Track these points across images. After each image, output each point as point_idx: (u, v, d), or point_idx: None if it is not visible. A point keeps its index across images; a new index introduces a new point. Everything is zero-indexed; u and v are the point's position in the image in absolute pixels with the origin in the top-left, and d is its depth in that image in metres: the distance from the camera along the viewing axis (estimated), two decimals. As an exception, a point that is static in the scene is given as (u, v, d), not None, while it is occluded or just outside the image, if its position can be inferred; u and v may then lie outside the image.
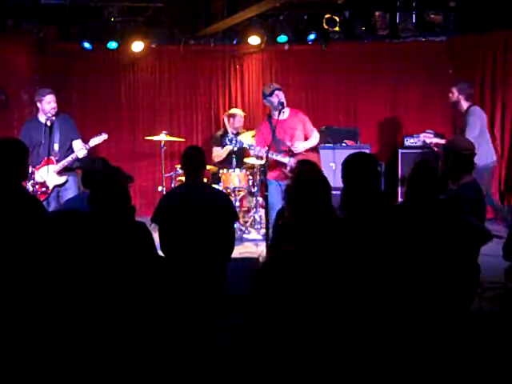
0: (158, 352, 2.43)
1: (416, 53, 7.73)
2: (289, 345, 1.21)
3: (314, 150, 5.59)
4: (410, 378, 2.24)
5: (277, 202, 4.92)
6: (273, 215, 4.72)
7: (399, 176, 7.12)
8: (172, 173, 6.83)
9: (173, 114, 8.06)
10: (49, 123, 5.37)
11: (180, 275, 3.56)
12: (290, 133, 5.44)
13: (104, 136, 5.68)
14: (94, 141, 5.63)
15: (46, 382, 2.07)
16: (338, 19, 7.04)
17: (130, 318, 2.31)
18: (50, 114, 5.42)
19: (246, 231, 6.60)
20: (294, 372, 1.21)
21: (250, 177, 6.65)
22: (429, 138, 6.39)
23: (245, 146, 5.54)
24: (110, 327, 2.22)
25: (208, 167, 6.11)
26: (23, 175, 3.44)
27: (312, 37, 7.39)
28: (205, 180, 4.69)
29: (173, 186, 6.64)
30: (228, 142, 5.45)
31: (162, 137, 6.67)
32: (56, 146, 5.49)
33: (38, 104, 5.56)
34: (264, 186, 5.44)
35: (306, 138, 5.54)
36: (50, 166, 5.39)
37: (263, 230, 6.09)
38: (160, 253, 3.72)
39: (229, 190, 6.38)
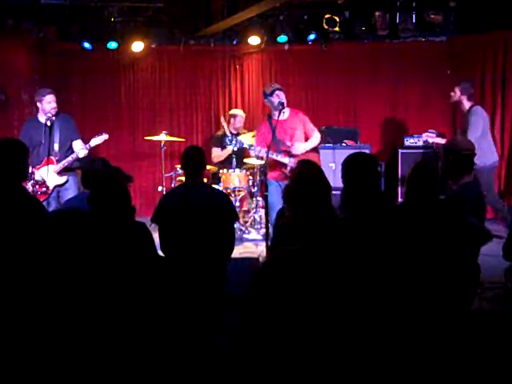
0: (158, 352, 2.43)
1: (416, 53, 7.73)
2: (289, 344, 1.21)
3: (314, 150, 5.58)
4: (410, 378, 2.24)
5: (277, 202, 4.91)
6: (273, 215, 4.73)
7: (399, 176, 7.11)
8: (172, 173, 6.83)
9: (173, 114, 8.06)
10: (49, 123, 5.37)
11: (180, 275, 3.56)
12: (290, 133, 5.44)
13: (105, 136, 5.68)
14: (95, 140, 5.63)
15: (46, 382, 2.07)
16: (337, 19, 7.04)
17: (130, 317, 2.31)
18: (50, 114, 5.41)
19: (246, 231, 6.60)
20: (294, 372, 1.21)
21: (250, 177, 6.65)
22: (431, 137, 6.39)
23: (245, 146, 5.54)
24: (110, 327, 2.22)
25: (208, 167, 6.11)
26: (23, 175, 3.44)
27: (312, 37, 7.39)
28: (205, 180, 4.70)
29: (173, 186, 6.64)
30: (228, 142, 5.45)
31: (162, 137, 6.67)
32: (56, 146, 5.49)
33: (38, 104, 5.56)
34: (264, 186, 5.44)
35: (307, 138, 5.54)
36: (50, 166, 5.39)
37: (263, 230, 6.09)
38: (160, 253, 3.72)
39: (229, 190, 6.38)
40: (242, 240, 6.36)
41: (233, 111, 7.33)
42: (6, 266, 2.64)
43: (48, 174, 5.39)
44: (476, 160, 5.71)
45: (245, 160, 6.75)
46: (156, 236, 3.57)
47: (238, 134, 6.68)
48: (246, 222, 6.75)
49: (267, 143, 5.24)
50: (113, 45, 7.29)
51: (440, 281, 2.92)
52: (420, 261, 2.83)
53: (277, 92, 5.41)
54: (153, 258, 3.13)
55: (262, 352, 1.23)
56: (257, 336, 1.24)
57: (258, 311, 1.24)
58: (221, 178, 6.47)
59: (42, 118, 5.49)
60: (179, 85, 8.03)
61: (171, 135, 6.91)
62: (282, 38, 7.41)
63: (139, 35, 7.23)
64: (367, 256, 2.60)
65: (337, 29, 7.10)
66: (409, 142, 7.23)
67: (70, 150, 5.57)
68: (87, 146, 5.54)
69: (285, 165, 5.34)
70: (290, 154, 5.36)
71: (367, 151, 6.54)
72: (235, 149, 5.45)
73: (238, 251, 5.56)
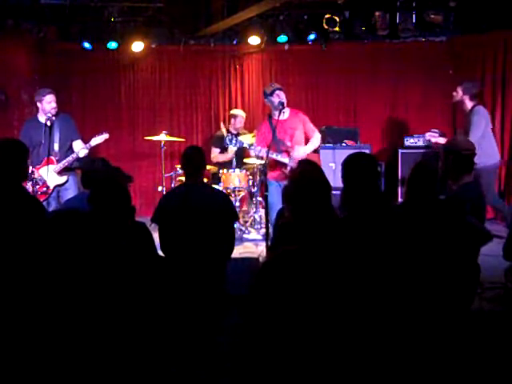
0: (158, 352, 2.43)
1: (416, 53, 7.73)
2: (289, 344, 1.21)
3: (314, 150, 5.59)
4: (410, 378, 2.24)
5: (277, 202, 4.91)
6: (273, 215, 4.73)
7: (399, 176, 7.11)
8: (172, 173, 6.83)
9: (173, 114, 8.06)
10: (49, 123, 5.37)
11: (180, 275, 3.56)
12: (290, 133, 5.44)
13: (105, 135, 5.68)
14: (96, 140, 5.63)
15: (46, 382, 2.07)
16: (338, 19, 7.04)
17: (130, 317, 2.31)
18: (50, 114, 5.41)
19: (246, 231, 6.60)
20: (294, 371, 1.21)
21: (250, 177, 6.65)
22: (434, 137, 6.37)
23: (245, 145, 5.54)
24: (110, 327, 2.22)
25: (208, 167, 6.11)
26: (23, 175, 3.44)
27: (312, 37, 7.39)
28: (205, 180, 4.70)
29: (173, 186, 6.64)
30: (228, 142, 5.45)
31: (162, 137, 6.68)
32: (56, 146, 5.49)
33: (38, 104, 5.56)
34: (264, 186, 5.44)
35: (307, 138, 5.55)
36: (50, 165, 5.39)
37: (263, 230, 6.10)
38: (160, 253, 3.72)
39: (229, 190, 6.38)
40: (242, 240, 6.36)
41: (233, 111, 7.33)
42: (6, 266, 2.64)
43: (48, 174, 5.39)
44: (477, 160, 5.72)
45: (245, 160, 6.75)
46: (156, 236, 3.57)
47: (238, 135, 6.67)
48: (246, 222, 6.75)
49: (267, 143, 5.24)
50: (113, 45, 7.29)
51: (440, 281, 2.92)
52: (420, 261, 2.83)
53: (277, 92, 5.41)
54: (153, 258, 3.13)
55: (262, 352, 1.23)
56: (257, 336, 1.24)
57: (258, 311, 1.24)
58: (221, 178, 6.47)
59: (41, 118, 5.49)
60: (179, 85, 8.03)
61: (171, 135, 6.91)
62: (282, 38, 7.41)
63: (139, 35, 7.23)
64: (367, 256, 2.60)
65: (337, 29, 7.10)
66: (409, 141, 7.23)
67: (70, 150, 5.57)
68: (88, 145, 5.55)
69: (285, 165, 5.34)
70: (290, 154, 5.36)
71: (367, 151, 6.54)
72: (235, 148, 5.45)
73: (238, 251, 5.56)
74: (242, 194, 6.69)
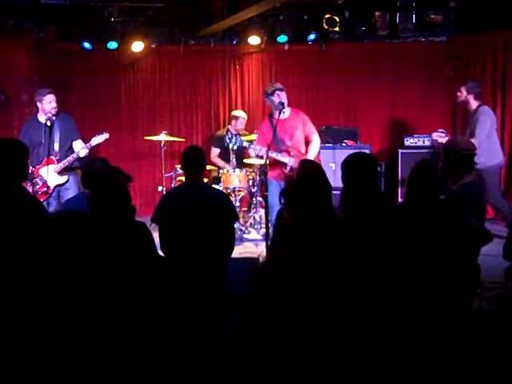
0: (158, 352, 2.43)
1: (416, 53, 7.73)
2: (289, 344, 1.21)
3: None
4: (410, 378, 2.24)
5: (277, 201, 4.91)
6: (273, 215, 4.73)
7: (399, 176, 7.11)
8: (172, 173, 6.83)
9: (173, 114, 8.06)
10: (49, 123, 5.37)
11: (180, 275, 3.56)
12: (290, 132, 5.46)
13: (106, 135, 5.68)
14: (96, 140, 5.63)
15: (46, 382, 2.07)
16: (338, 19, 7.03)
17: (130, 318, 2.31)
18: (50, 114, 5.41)
19: (246, 231, 6.60)
20: (294, 372, 1.21)
21: (250, 177, 6.65)
22: (441, 137, 6.34)
23: (245, 144, 5.54)
24: (110, 327, 2.22)
25: (208, 167, 6.11)
26: (23, 176, 3.43)
27: (312, 37, 7.39)
28: (205, 180, 4.70)
29: (173, 186, 6.64)
30: (228, 141, 5.45)
31: (162, 137, 6.68)
32: (56, 146, 5.49)
33: (38, 104, 5.56)
34: (264, 186, 5.45)
35: (306, 139, 5.57)
36: (51, 165, 5.39)
37: (263, 230, 6.09)
38: (160, 253, 3.72)
39: (229, 190, 6.38)
40: (242, 240, 6.36)
41: (235, 113, 7.32)
42: (6, 266, 2.64)
43: (48, 174, 5.39)
44: (482, 159, 5.74)
45: (245, 160, 6.75)
46: (156, 236, 3.57)
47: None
48: (246, 222, 6.75)
49: (268, 142, 5.26)
50: (113, 45, 7.29)
51: (440, 281, 2.92)
52: (420, 261, 2.83)
53: (277, 92, 5.44)
54: (153, 258, 3.13)
55: (262, 352, 1.23)
56: (257, 336, 1.24)
57: (258, 311, 1.24)
58: (221, 178, 6.47)
59: (41, 118, 5.49)
60: (179, 85, 8.03)
61: (171, 135, 6.91)
62: (282, 38, 7.40)
63: (139, 35, 7.22)
64: (367, 256, 2.60)
65: (337, 29, 7.09)
66: (409, 142, 7.23)
67: (71, 150, 5.57)
68: (88, 145, 5.55)
69: (285, 164, 5.36)
70: (290, 154, 5.38)
71: (367, 151, 6.54)
72: (235, 147, 5.45)
73: (238, 251, 5.56)
74: (242, 194, 6.69)
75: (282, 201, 3.13)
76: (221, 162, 7.06)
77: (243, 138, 5.72)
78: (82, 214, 2.42)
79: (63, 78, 7.43)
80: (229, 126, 7.25)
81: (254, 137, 6.49)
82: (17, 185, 3.32)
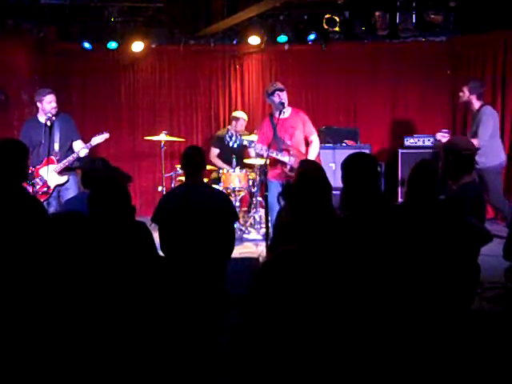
0: (158, 352, 2.43)
1: (416, 53, 7.73)
2: (289, 345, 1.21)
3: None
4: (411, 378, 2.24)
5: (277, 201, 4.92)
6: (273, 215, 4.73)
7: (399, 176, 7.11)
8: (172, 173, 6.83)
9: (173, 114, 8.06)
10: (49, 123, 5.37)
11: (180, 275, 3.56)
12: (290, 132, 5.48)
13: (106, 135, 5.68)
14: (96, 139, 5.63)
15: (46, 382, 2.07)
16: (338, 19, 7.03)
17: (130, 317, 2.31)
18: (50, 114, 5.41)
19: (246, 231, 6.60)
20: (295, 372, 1.21)
21: (250, 177, 6.65)
22: (445, 137, 6.33)
23: (245, 143, 5.54)
24: (110, 327, 2.22)
25: (208, 167, 6.11)
26: (23, 175, 3.43)
27: (312, 37, 7.39)
28: (205, 180, 4.70)
29: (173, 186, 6.64)
30: (228, 139, 5.46)
31: (162, 137, 6.68)
32: (56, 146, 5.49)
33: (38, 104, 5.56)
34: (264, 186, 5.45)
35: (306, 139, 5.58)
36: (51, 165, 5.39)
37: (263, 230, 6.10)
38: (160, 253, 3.72)
39: (229, 190, 6.38)
40: (242, 240, 6.36)
41: (236, 114, 7.31)
42: (6, 266, 2.64)
43: (48, 174, 5.39)
44: (483, 159, 5.73)
45: (245, 160, 6.75)
46: (156, 236, 3.57)
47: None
48: (246, 222, 6.75)
49: (268, 141, 5.28)
50: (113, 45, 7.29)
51: (440, 281, 2.92)
52: (420, 261, 2.83)
53: (277, 92, 5.45)
54: (153, 258, 3.13)
55: (262, 352, 1.23)
56: (257, 336, 1.24)
57: (258, 311, 1.24)
58: (221, 178, 6.47)
59: (41, 118, 5.49)
60: (179, 85, 8.03)
61: (171, 135, 6.91)
62: (282, 38, 7.40)
63: (139, 35, 7.23)
64: (367, 256, 2.60)
65: (337, 29, 7.09)
66: (409, 141, 7.23)
67: (71, 150, 5.57)
68: (88, 144, 5.55)
69: (285, 163, 5.38)
70: (290, 153, 5.39)
71: (367, 151, 6.55)
72: (235, 145, 5.46)
73: (238, 251, 5.56)
74: (242, 194, 6.69)
75: (282, 202, 3.14)
76: (220, 163, 7.06)
77: (243, 138, 5.72)
78: (81, 214, 2.43)
79: (63, 78, 7.44)
80: (229, 127, 7.25)
81: (254, 137, 6.49)
82: (17, 185, 3.32)
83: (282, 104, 5.34)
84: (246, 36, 7.36)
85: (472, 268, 3.22)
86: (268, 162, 5.08)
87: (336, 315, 1.23)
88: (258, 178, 6.71)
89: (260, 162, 6.18)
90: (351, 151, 3.48)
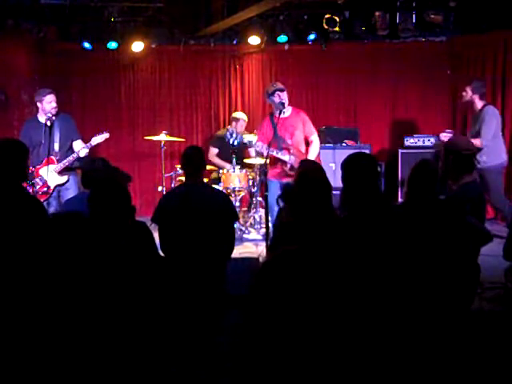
0: (158, 352, 2.43)
1: (416, 53, 7.73)
2: (289, 345, 1.21)
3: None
4: (411, 378, 2.24)
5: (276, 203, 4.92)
6: (273, 215, 4.73)
7: (399, 176, 7.11)
8: (172, 173, 6.83)
9: (173, 114, 8.06)
10: (49, 123, 5.37)
11: (180, 275, 3.56)
12: (290, 131, 5.50)
13: (106, 135, 5.67)
14: (96, 139, 5.62)
15: (46, 382, 2.07)
16: (338, 19, 7.03)
17: (130, 317, 2.31)
18: (50, 114, 5.41)
19: (246, 231, 6.60)
20: (295, 372, 1.21)
21: (250, 177, 6.65)
22: (448, 137, 6.32)
23: (245, 141, 5.55)
24: (111, 327, 2.22)
25: (208, 167, 6.11)
26: (23, 176, 3.43)
27: (312, 37, 7.39)
28: (205, 180, 4.70)
29: (173, 186, 6.64)
30: (229, 136, 5.46)
31: (162, 137, 6.67)
32: (56, 146, 5.49)
33: (38, 104, 5.56)
34: (264, 186, 5.46)
35: (306, 139, 5.59)
36: (51, 165, 5.39)
37: (263, 230, 6.10)
38: (160, 253, 3.72)
39: (229, 190, 6.38)
40: (242, 240, 6.36)
41: (236, 114, 7.30)
42: (6, 266, 2.64)
43: (48, 174, 5.39)
44: (484, 158, 5.73)
45: (245, 160, 6.75)
46: (156, 236, 3.57)
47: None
48: (246, 222, 6.75)
49: (268, 140, 5.29)
50: (113, 45, 7.29)
51: (440, 281, 2.92)
52: (420, 261, 2.83)
53: (277, 92, 5.47)
54: (153, 258, 3.13)
55: (262, 352, 1.23)
56: (257, 336, 1.24)
57: (258, 311, 1.24)
58: (221, 178, 6.47)
59: (41, 118, 5.49)
60: (179, 85, 8.02)
61: (171, 135, 6.90)
62: (282, 38, 7.40)
63: (139, 35, 7.22)
64: (367, 256, 2.60)
65: (337, 29, 7.09)
66: (409, 142, 7.23)
67: (71, 150, 5.57)
68: (88, 144, 5.54)
69: (285, 162, 5.39)
70: (290, 152, 5.41)
71: (367, 151, 6.55)
72: (235, 143, 5.46)
73: (238, 251, 5.56)
74: (242, 194, 6.69)
75: (281, 204, 3.13)
76: (219, 161, 7.05)
77: (244, 136, 5.74)
78: (81, 214, 2.43)
79: (63, 78, 7.43)
80: (229, 127, 7.25)
81: (254, 137, 6.49)
82: (17, 185, 3.32)
83: (282, 104, 5.36)
84: (246, 36, 7.36)
85: (472, 268, 3.22)
86: (268, 161, 5.09)
87: (336, 315, 1.23)
88: (257, 178, 6.71)
89: (260, 161, 6.18)
90: (351, 151, 3.48)
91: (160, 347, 2.48)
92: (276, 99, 5.44)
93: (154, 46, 7.61)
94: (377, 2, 7.11)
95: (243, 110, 7.62)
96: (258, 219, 6.68)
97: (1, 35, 6.63)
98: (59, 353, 2.08)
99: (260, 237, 6.38)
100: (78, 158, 5.48)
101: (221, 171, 6.53)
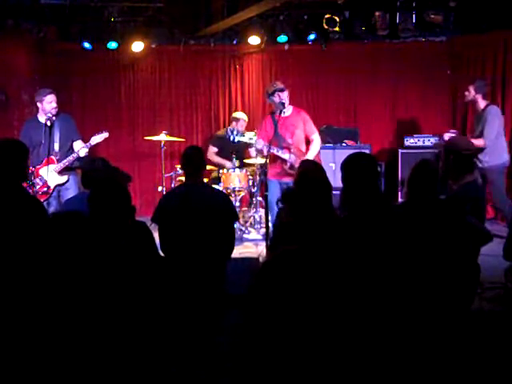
0: (158, 352, 2.43)
1: (416, 53, 7.73)
2: (289, 345, 1.21)
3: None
4: (411, 378, 2.24)
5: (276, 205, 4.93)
6: (273, 215, 4.73)
7: (399, 176, 7.11)
8: (172, 173, 6.83)
9: (173, 114, 8.06)
10: (49, 123, 5.37)
11: (180, 275, 3.56)
12: (291, 130, 5.52)
13: (105, 134, 5.67)
14: (96, 139, 5.62)
15: (46, 382, 2.07)
16: (338, 19, 7.03)
17: (130, 317, 2.31)
18: (50, 114, 5.41)
19: (246, 231, 6.60)
20: (294, 372, 1.21)
21: (250, 177, 6.65)
22: None
23: (246, 140, 5.55)
24: (111, 327, 2.22)
25: (208, 167, 6.11)
26: (23, 176, 3.44)
27: (312, 37, 7.39)
28: (205, 180, 4.70)
29: (173, 186, 6.64)
30: (230, 133, 5.47)
31: (162, 137, 6.67)
32: (56, 146, 5.49)
33: (39, 104, 5.55)
34: (264, 186, 5.46)
35: (307, 138, 5.60)
36: (51, 165, 5.39)
37: (263, 230, 6.10)
38: (160, 253, 3.72)
39: (229, 190, 6.38)
40: (242, 240, 6.36)
41: (236, 114, 7.30)
42: (6, 266, 2.64)
43: (48, 174, 5.39)
44: (486, 158, 5.72)
45: (245, 160, 6.75)
46: (156, 236, 3.57)
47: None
48: (246, 222, 6.75)
49: (269, 139, 5.30)
50: (113, 45, 7.29)
51: (440, 281, 2.92)
52: (420, 261, 2.83)
53: (277, 93, 5.48)
54: (153, 258, 3.13)
55: (262, 352, 1.23)
56: (256, 336, 1.24)
57: (258, 311, 1.24)
58: (221, 178, 6.47)
59: (41, 118, 5.49)
60: (179, 85, 8.02)
61: (171, 135, 6.90)
62: (282, 38, 7.40)
63: (139, 35, 7.22)
64: (367, 256, 2.60)
65: (337, 29, 7.09)
66: (409, 142, 7.23)
67: (71, 150, 5.57)
68: (88, 144, 5.54)
69: (285, 161, 5.40)
70: (290, 150, 5.42)
71: (367, 151, 6.55)
72: (236, 140, 5.46)
73: (238, 251, 5.56)
74: (242, 194, 6.69)
75: (280, 205, 3.13)
76: (218, 159, 7.04)
77: (246, 133, 5.75)
78: (81, 214, 2.43)
79: (63, 78, 7.43)
80: (229, 127, 7.25)
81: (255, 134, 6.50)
82: (17, 185, 3.32)
83: (283, 104, 5.38)
84: (246, 36, 7.36)
85: (472, 268, 3.22)
86: (268, 161, 5.09)
87: (336, 315, 1.23)
88: (257, 178, 6.71)
89: (260, 161, 6.18)
90: (351, 151, 3.48)
91: (160, 347, 2.47)
92: (276, 99, 5.46)
93: (153, 46, 7.61)
94: (377, 2, 7.11)
95: (243, 110, 7.62)
96: (257, 219, 6.68)
97: (1, 35, 6.63)
98: (59, 353, 2.08)
99: (260, 237, 6.38)
100: (78, 158, 5.48)
101: (221, 171, 6.53)
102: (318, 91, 8.06)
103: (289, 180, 5.26)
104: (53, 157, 5.43)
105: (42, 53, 7.35)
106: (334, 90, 8.05)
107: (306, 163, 4.32)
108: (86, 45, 7.24)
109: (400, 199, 6.92)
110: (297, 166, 5.27)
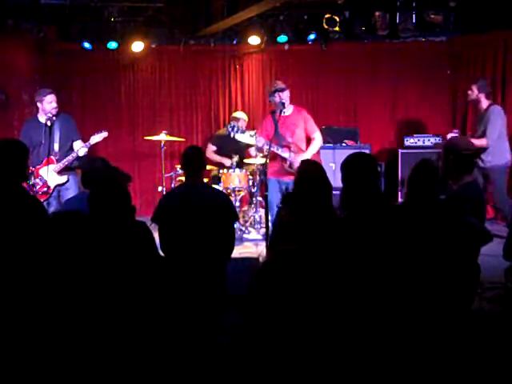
0: (158, 352, 2.43)
1: (416, 53, 7.73)
2: (289, 345, 1.21)
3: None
4: (411, 378, 2.24)
5: (277, 200, 4.93)
6: (273, 215, 4.74)
7: (399, 176, 7.11)
8: (172, 173, 6.83)
9: (173, 114, 8.06)
10: (49, 123, 5.37)
11: (180, 275, 3.56)
12: (291, 129, 5.53)
13: (104, 133, 5.67)
14: (95, 138, 5.62)
15: (46, 382, 2.07)
16: (338, 19, 7.03)
17: (130, 317, 2.31)
18: (50, 114, 5.41)
19: (246, 231, 6.60)
20: (294, 372, 1.21)
21: (250, 177, 6.65)
22: None
23: (246, 137, 5.56)
24: (111, 327, 2.22)
25: (208, 167, 6.11)
26: (23, 176, 3.43)
27: (312, 37, 7.39)
28: (205, 180, 4.70)
29: (173, 186, 6.64)
30: (230, 129, 5.47)
31: (162, 137, 6.67)
32: (56, 146, 5.49)
33: (39, 104, 5.55)
34: (264, 186, 5.46)
35: (308, 137, 5.61)
36: (51, 165, 5.39)
37: (263, 230, 6.09)
38: (160, 253, 3.72)
39: (229, 190, 6.38)
40: (242, 240, 6.36)
41: (236, 114, 7.30)
42: (6, 266, 2.64)
43: (48, 174, 5.39)
44: (489, 158, 5.72)
45: (245, 160, 6.75)
46: (156, 236, 3.57)
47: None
48: (246, 222, 6.75)
49: (269, 137, 5.30)
50: (113, 45, 7.29)
51: (440, 281, 2.92)
52: (420, 261, 2.83)
53: (277, 93, 5.49)
54: (153, 258, 3.13)
55: (262, 352, 1.23)
56: (256, 336, 1.24)
57: (258, 311, 1.24)
58: (221, 178, 6.47)
59: (41, 118, 5.49)
60: (179, 85, 8.03)
61: (171, 135, 6.90)
62: (282, 38, 7.41)
63: (139, 35, 7.23)
64: (367, 256, 2.60)
65: (337, 29, 7.09)
66: (409, 142, 7.23)
67: (71, 150, 5.57)
68: (87, 143, 5.54)
69: (285, 159, 5.41)
70: (290, 149, 5.43)
71: (367, 151, 6.55)
72: (236, 136, 5.47)
73: (238, 251, 5.55)
74: (242, 193, 6.69)
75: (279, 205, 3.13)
76: (217, 157, 7.04)
77: (245, 132, 5.75)
78: (81, 214, 2.43)
79: (63, 78, 7.43)
80: (229, 124, 7.24)
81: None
82: (17, 185, 3.32)
83: (283, 104, 5.40)
84: (246, 36, 7.36)
85: (472, 268, 3.22)
86: (268, 160, 5.09)
87: (336, 315, 1.23)
88: (257, 178, 6.71)
89: (260, 161, 6.18)
90: (351, 151, 3.48)
91: (160, 347, 2.47)
92: (276, 99, 5.49)
93: (153, 45, 7.61)
94: (377, 2, 7.11)
95: (243, 110, 7.62)
96: (257, 219, 6.67)
97: (1, 35, 6.63)
98: (59, 352, 2.08)
99: (260, 237, 6.38)
100: (78, 158, 5.47)
101: (221, 171, 6.53)
102: (317, 91, 8.06)
103: (288, 179, 5.26)
104: (52, 157, 5.43)
105: (42, 53, 7.35)
106: (333, 90, 8.05)
107: (306, 163, 4.32)
108: (86, 45, 7.24)
109: (400, 199, 6.92)
110: (296, 164, 5.28)
